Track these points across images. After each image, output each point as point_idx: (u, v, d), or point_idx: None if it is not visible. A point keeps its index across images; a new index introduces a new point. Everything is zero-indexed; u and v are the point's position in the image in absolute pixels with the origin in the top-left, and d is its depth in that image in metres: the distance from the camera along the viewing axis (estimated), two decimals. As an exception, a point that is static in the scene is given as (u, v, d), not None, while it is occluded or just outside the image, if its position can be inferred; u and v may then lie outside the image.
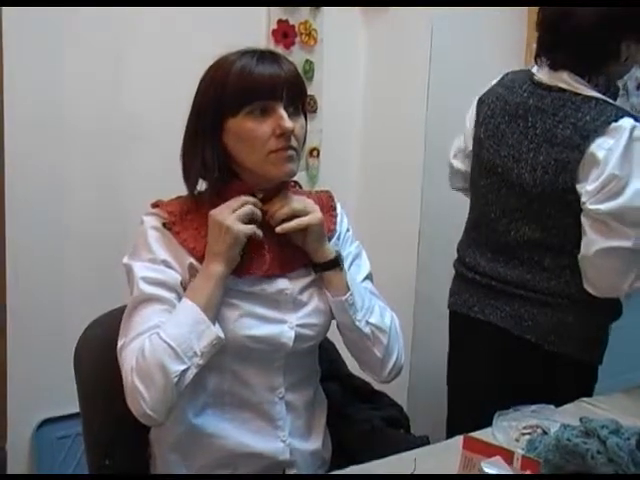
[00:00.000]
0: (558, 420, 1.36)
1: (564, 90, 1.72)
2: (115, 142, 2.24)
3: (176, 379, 1.23)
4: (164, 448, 1.40)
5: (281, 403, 1.39)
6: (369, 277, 1.52)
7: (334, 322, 1.45)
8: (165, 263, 1.31)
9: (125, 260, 1.34)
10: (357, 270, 1.49)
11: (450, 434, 1.57)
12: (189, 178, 1.36)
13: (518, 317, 1.78)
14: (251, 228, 1.31)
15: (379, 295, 1.52)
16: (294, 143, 1.32)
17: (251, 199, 1.33)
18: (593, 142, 1.64)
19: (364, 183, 2.73)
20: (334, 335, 1.51)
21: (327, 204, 1.50)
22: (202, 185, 1.38)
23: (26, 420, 2.18)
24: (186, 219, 1.34)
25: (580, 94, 1.70)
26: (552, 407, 1.53)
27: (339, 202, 1.54)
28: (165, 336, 1.24)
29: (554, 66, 1.74)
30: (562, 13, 1.69)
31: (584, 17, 1.66)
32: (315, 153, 2.63)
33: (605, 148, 1.63)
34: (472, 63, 2.43)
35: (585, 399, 1.66)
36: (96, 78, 2.17)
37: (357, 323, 1.40)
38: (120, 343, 1.29)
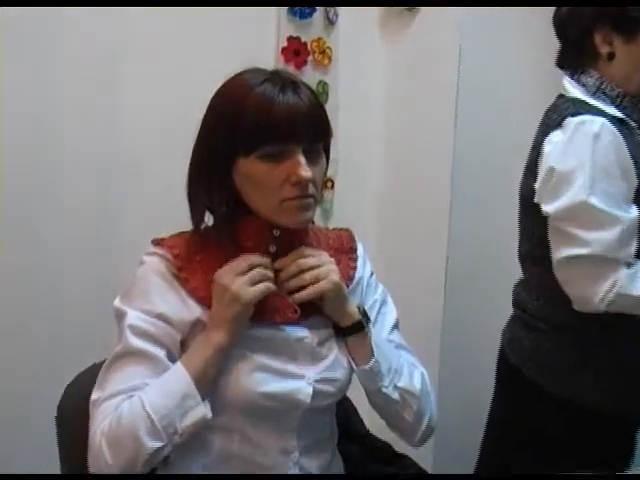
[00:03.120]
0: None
1: (562, 95, 1.78)
2: (110, 170, 2.18)
3: (148, 456, 1.20)
4: None
5: (295, 469, 1.34)
6: (396, 326, 1.49)
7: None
8: (162, 317, 1.27)
9: (117, 303, 1.30)
10: (383, 320, 1.47)
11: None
12: (195, 213, 1.33)
13: (511, 340, 1.84)
14: (262, 288, 1.26)
15: (406, 346, 1.49)
16: (311, 190, 1.27)
17: (260, 261, 1.29)
18: (547, 137, 1.69)
19: (384, 218, 2.67)
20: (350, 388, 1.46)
21: (347, 245, 1.46)
22: (209, 218, 1.35)
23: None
24: (194, 261, 1.31)
25: (565, 96, 1.76)
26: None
27: (359, 241, 1.50)
28: (148, 405, 1.20)
29: (560, 69, 1.81)
30: (553, 15, 1.79)
31: (557, 14, 1.76)
32: (329, 184, 2.55)
33: (553, 142, 1.67)
34: (504, 81, 2.41)
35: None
36: (88, 101, 2.12)
37: (384, 390, 1.37)
38: (94, 397, 1.25)
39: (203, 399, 1.22)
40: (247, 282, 1.25)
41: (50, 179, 2.10)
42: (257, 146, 1.24)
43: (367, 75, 2.63)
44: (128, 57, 2.14)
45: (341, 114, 2.47)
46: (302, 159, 1.24)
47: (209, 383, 1.24)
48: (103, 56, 2.12)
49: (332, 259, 1.35)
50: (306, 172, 1.24)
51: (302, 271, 1.31)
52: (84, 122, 2.11)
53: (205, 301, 1.28)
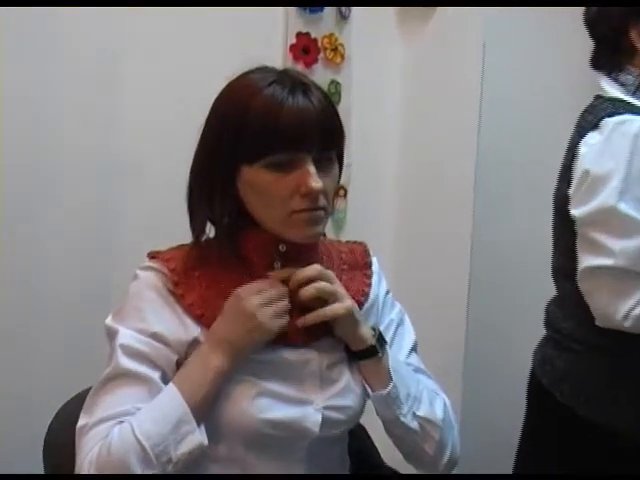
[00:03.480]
0: None
1: (599, 96, 1.75)
2: (105, 177, 2.16)
3: None
4: None
5: None
6: (414, 348, 1.46)
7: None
8: (157, 337, 1.24)
9: (108, 321, 1.27)
10: (400, 342, 1.44)
11: None
12: (195, 225, 1.30)
13: (543, 361, 1.81)
14: (284, 323, 1.26)
15: (425, 370, 1.46)
16: (322, 202, 1.24)
17: (284, 292, 1.27)
18: (583, 139, 1.66)
19: (401, 230, 2.64)
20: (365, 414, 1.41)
21: (361, 260, 1.44)
22: (210, 229, 1.32)
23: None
24: (192, 276, 1.28)
25: (603, 96, 1.73)
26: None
27: (374, 256, 1.47)
28: (138, 432, 1.15)
29: (595, 70, 1.80)
30: (584, 14, 1.78)
31: (588, 13, 1.75)
32: (342, 192, 2.50)
33: (589, 144, 1.64)
34: (532, 81, 2.37)
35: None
36: (88, 101, 2.10)
37: (402, 419, 1.32)
38: (82, 422, 1.20)
39: (199, 424, 1.19)
40: (273, 315, 1.24)
41: (50, 179, 2.09)
42: (263, 154, 1.21)
43: (383, 74, 2.60)
44: (129, 55, 2.13)
45: (354, 116, 2.46)
46: (312, 168, 1.22)
47: (206, 409, 1.21)
48: (103, 55, 2.11)
49: (338, 284, 1.32)
50: (316, 183, 1.21)
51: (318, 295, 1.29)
52: (84, 122, 2.11)
53: (202, 320, 1.26)
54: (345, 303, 1.29)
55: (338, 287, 1.31)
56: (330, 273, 1.32)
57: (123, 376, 1.21)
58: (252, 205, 1.27)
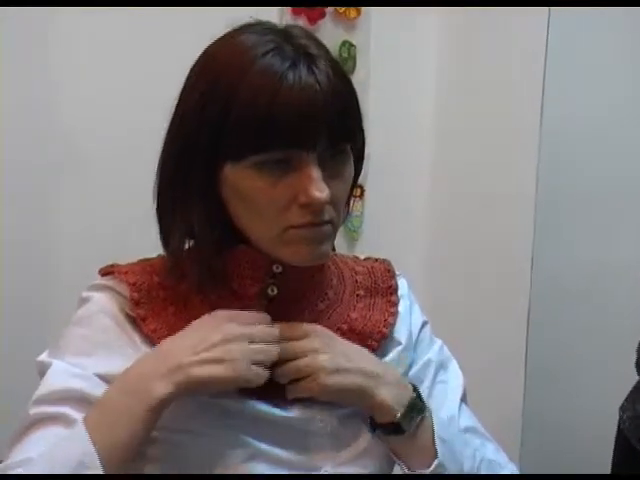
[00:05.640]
0: None
1: None
2: (45, 172, 2.14)
3: None
4: None
5: None
6: (464, 399, 1.38)
7: None
8: (105, 380, 1.17)
9: (42, 357, 1.22)
10: (443, 392, 1.36)
11: None
12: (169, 241, 1.24)
13: (635, 417, 1.74)
14: (265, 377, 1.17)
15: (480, 429, 1.37)
16: (329, 215, 1.16)
17: (273, 333, 1.21)
18: None
19: (436, 245, 2.50)
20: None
21: (384, 283, 1.35)
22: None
23: None
24: (157, 297, 1.23)
25: None
26: None
27: (403, 276, 1.40)
28: None
29: None
30: None
31: None
32: (357, 192, 2.29)
33: None
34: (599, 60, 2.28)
35: None
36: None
37: None
38: None
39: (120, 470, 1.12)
40: (254, 355, 1.17)
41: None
42: (250, 151, 1.14)
43: (412, 34, 2.42)
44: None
45: (373, 90, 2.31)
46: (315, 171, 1.13)
47: (129, 451, 1.13)
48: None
49: (317, 344, 1.24)
50: (320, 192, 1.12)
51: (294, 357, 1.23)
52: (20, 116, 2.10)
53: None
54: (321, 382, 1.20)
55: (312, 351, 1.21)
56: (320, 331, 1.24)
57: (46, 420, 1.16)
58: (238, 215, 1.20)
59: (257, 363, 1.16)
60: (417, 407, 1.23)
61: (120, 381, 1.16)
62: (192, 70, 1.21)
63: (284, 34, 1.18)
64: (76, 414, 1.16)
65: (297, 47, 1.16)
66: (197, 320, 1.19)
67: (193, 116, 1.19)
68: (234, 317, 1.20)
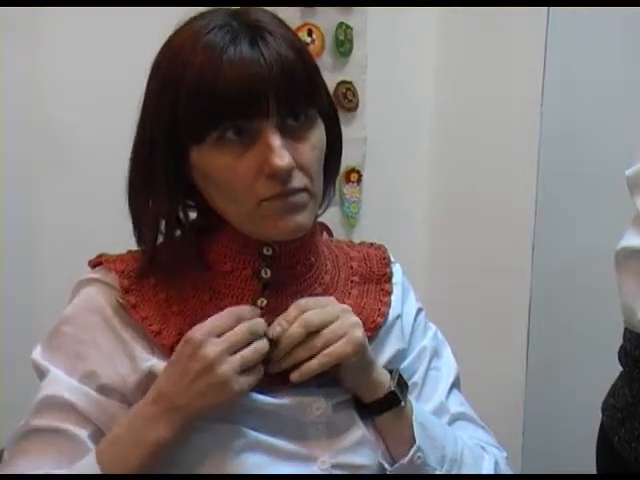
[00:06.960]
0: None
1: None
2: (30, 167, 2.11)
3: None
4: None
5: None
6: (455, 385, 1.39)
7: None
8: (104, 390, 1.19)
9: (37, 356, 1.22)
10: (435, 379, 1.37)
11: None
12: (142, 233, 1.25)
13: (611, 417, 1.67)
14: (255, 378, 1.17)
15: (472, 415, 1.38)
16: (300, 182, 1.17)
17: (257, 326, 1.19)
18: None
19: (437, 230, 2.51)
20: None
21: (379, 270, 1.36)
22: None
23: None
24: (147, 284, 1.23)
25: None
26: None
27: (397, 262, 1.40)
28: None
29: None
30: None
31: None
32: (354, 177, 2.37)
33: None
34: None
35: None
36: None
37: None
38: None
39: None
40: (240, 366, 1.16)
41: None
42: (205, 129, 1.16)
43: (412, 13, 2.39)
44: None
45: (371, 72, 2.32)
46: (275, 139, 1.15)
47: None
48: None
49: (345, 306, 1.24)
50: (281, 159, 1.14)
51: (310, 333, 1.20)
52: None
53: (159, 339, 1.21)
54: (355, 336, 1.20)
55: (334, 308, 1.23)
56: (318, 300, 1.24)
57: (42, 431, 1.19)
58: (212, 198, 1.21)
59: (247, 370, 1.16)
60: (403, 383, 1.25)
61: (128, 420, 1.17)
62: (153, 62, 1.22)
63: (237, 12, 1.20)
64: (75, 429, 1.18)
65: (245, 22, 1.17)
66: (174, 354, 1.18)
67: (153, 104, 1.21)
68: (211, 330, 1.18)
